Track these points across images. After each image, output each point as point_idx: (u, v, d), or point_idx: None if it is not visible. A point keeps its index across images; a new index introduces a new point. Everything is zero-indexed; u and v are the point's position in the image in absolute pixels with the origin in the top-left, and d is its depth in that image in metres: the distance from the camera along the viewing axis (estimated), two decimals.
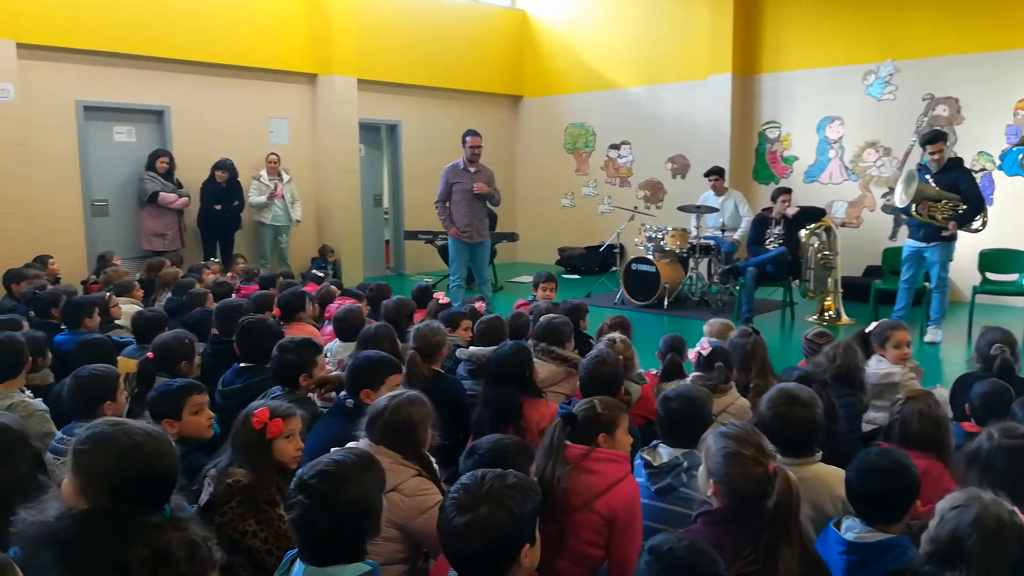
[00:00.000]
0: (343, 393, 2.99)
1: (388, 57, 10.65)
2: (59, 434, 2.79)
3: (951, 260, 6.60)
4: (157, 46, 8.45)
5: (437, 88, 11.41)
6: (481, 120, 12.08)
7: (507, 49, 12.32)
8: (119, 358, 3.93)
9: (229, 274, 6.97)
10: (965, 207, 6.36)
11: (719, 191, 8.87)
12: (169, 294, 5.71)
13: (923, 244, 6.57)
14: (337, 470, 1.79)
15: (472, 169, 7.27)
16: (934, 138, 6.53)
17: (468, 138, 7.26)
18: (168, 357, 3.43)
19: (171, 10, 8.49)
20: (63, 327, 4.43)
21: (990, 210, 8.26)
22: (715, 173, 8.87)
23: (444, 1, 11.40)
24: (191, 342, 3.60)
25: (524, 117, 12.78)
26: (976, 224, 6.50)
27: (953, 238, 6.47)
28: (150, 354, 3.45)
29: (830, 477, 2.35)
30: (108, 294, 5.12)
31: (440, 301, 4.93)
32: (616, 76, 11.45)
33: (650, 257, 8.50)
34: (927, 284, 6.87)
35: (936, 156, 6.50)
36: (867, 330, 3.86)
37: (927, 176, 6.53)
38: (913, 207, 6.44)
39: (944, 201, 6.40)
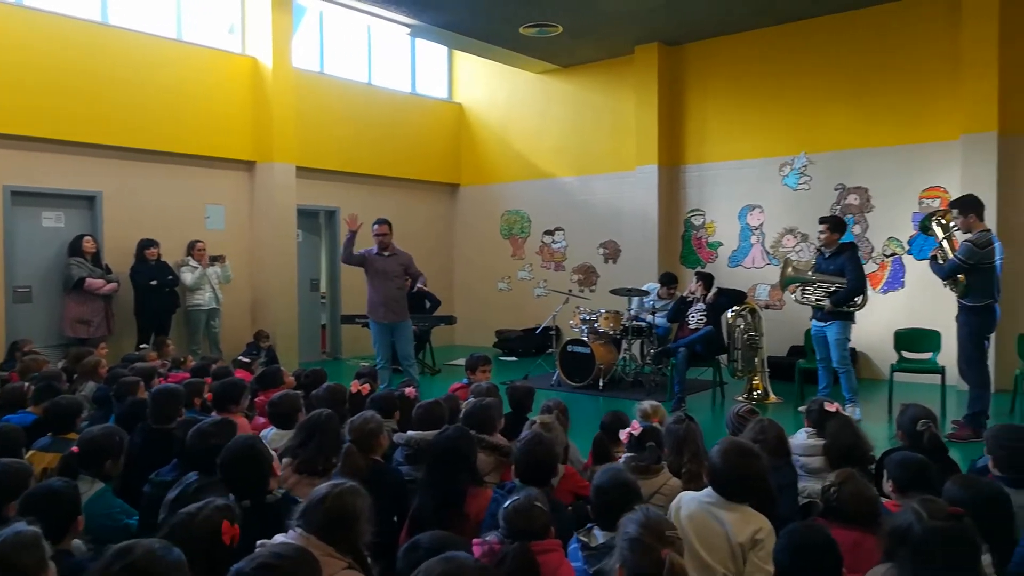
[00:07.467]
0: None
1: (327, 145, 10.83)
2: None
3: (848, 339, 6.91)
4: (90, 132, 8.41)
5: (376, 176, 11.61)
6: (420, 207, 12.35)
7: (445, 139, 12.69)
8: (32, 452, 3.77)
9: (159, 360, 6.78)
10: (844, 287, 6.78)
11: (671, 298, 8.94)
12: (91, 383, 5.51)
13: (822, 324, 6.95)
14: (280, 563, 1.77)
15: (386, 253, 7.38)
16: (821, 220, 7.11)
17: (375, 226, 7.40)
18: (94, 453, 3.25)
19: (106, 97, 8.51)
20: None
21: (902, 293, 8.86)
22: (668, 282, 9.04)
23: (383, 93, 11.75)
24: (121, 439, 3.41)
25: (461, 204, 13.06)
26: (857, 300, 6.84)
27: (846, 317, 6.84)
28: (75, 448, 3.31)
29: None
30: (27, 385, 4.91)
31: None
32: (549, 166, 11.89)
33: (585, 339, 8.66)
34: None
35: (822, 236, 7.03)
36: (800, 409, 3.97)
37: (824, 257, 6.99)
38: (790, 292, 7.01)
39: (816, 284, 6.87)
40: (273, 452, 3.67)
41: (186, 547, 2.01)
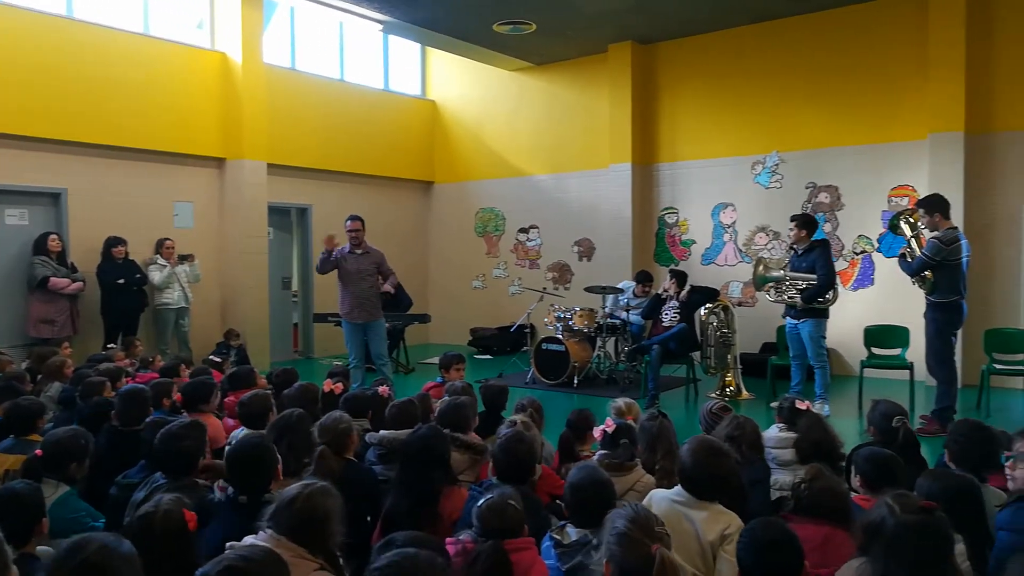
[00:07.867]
0: (229, 490, 2.80)
1: (299, 142, 10.72)
2: None
3: (824, 336, 6.97)
4: (55, 128, 8.23)
5: (349, 173, 11.52)
6: (393, 204, 12.27)
7: (418, 137, 12.62)
8: None
9: (127, 360, 6.65)
10: (814, 283, 6.84)
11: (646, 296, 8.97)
12: (56, 384, 5.39)
13: (796, 321, 7.01)
14: (246, 566, 1.74)
15: (358, 251, 7.31)
16: (791, 218, 7.20)
17: (348, 223, 7.33)
18: (59, 456, 3.17)
19: (72, 92, 8.32)
20: None
21: (872, 290, 8.98)
22: (643, 280, 9.08)
23: (355, 89, 11.66)
24: (87, 442, 3.33)
25: (436, 202, 13.00)
26: (828, 296, 6.91)
27: (820, 314, 6.89)
28: (39, 451, 3.22)
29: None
30: None
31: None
32: (524, 164, 11.88)
33: (559, 337, 8.66)
34: None
35: (791, 234, 7.11)
36: (772, 404, 4.00)
37: (797, 255, 7.05)
38: (764, 292, 7.16)
39: (788, 282, 6.94)
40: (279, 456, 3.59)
41: (153, 545, 1.97)
